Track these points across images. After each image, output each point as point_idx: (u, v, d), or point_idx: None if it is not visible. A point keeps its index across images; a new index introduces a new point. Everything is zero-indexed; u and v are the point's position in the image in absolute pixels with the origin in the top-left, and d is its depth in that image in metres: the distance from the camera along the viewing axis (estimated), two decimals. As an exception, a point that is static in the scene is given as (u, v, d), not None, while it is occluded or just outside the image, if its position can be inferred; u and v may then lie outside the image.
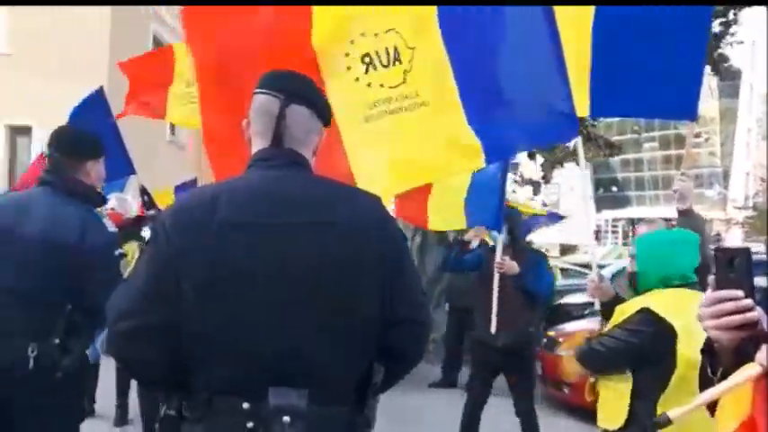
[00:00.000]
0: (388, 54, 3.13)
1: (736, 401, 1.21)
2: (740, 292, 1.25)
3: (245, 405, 1.51)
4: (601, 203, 54.15)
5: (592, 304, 8.97)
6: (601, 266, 18.42)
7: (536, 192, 14.56)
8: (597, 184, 59.46)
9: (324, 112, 1.81)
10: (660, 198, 56.00)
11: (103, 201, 3.03)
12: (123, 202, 5.70)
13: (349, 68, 3.16)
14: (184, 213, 1.61)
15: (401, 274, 1.69)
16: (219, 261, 1.54)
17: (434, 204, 5.47)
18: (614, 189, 55.55)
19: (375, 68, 3.15)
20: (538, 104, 3.13)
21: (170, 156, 18.75)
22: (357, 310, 1.60)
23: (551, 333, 7.51)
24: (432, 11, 3.14)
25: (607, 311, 2.99)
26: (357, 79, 3.16)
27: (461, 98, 3.13)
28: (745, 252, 1.27)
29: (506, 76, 3.17)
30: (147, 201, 5.74)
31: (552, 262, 18.57)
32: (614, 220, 50.36)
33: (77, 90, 6.22)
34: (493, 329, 4.60)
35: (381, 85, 3.16)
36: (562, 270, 15.14)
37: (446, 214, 5.49)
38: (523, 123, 3.19)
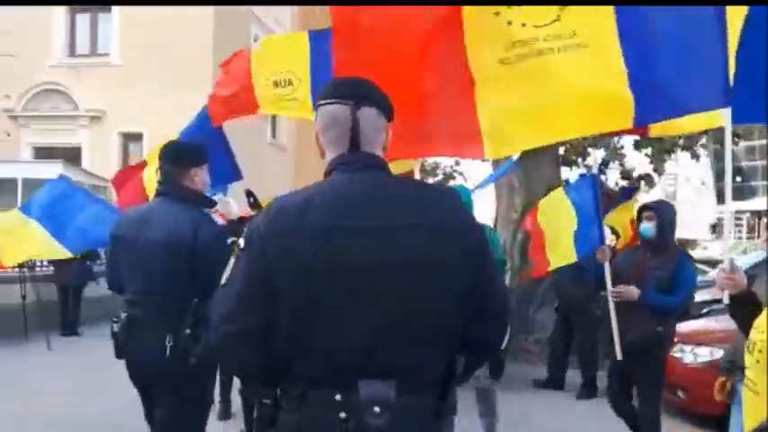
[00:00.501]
0: None
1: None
2: None
3: (338, 397, 1.62)
4: (722, 194, 51.09)
5: (711, 302, 8.31)
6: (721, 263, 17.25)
7: (649, 184, 13.44)
8: (718, 173, 56.17)
9: (388, 109, 1.87)
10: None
11: (212, 203, 3.34)
12: (226, 204, 5.77)
13: (497, 14, 2.86)
14: (279, 218, 1.69)
15: (484, 270, 1.77)
16: (314, 265, 1.63)
17: (550, 246, 5.96)
18: (738, 179, 52.22)
19: (518, 2, 2.84)
20: (698, 69, 2.77)
21: (271, 157, 19.07)
22: (441, 308, 1.69)
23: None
24: None
25: (736, 308, 2.72)
26: (497, 13, 2.87)
27: (622, 44, 2.77)
28: None
29: (670, 33, 2.80)
30: (253, 202, 5.73)
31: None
32: (738, 212, 47.29)
33: (184, 97, 6.31)
34: (618, 356, 4.51)
35: (524, 24, 2.84)
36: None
37: (560, 250, 5.80)
38: (682, 86, 2.80)
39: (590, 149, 12.56)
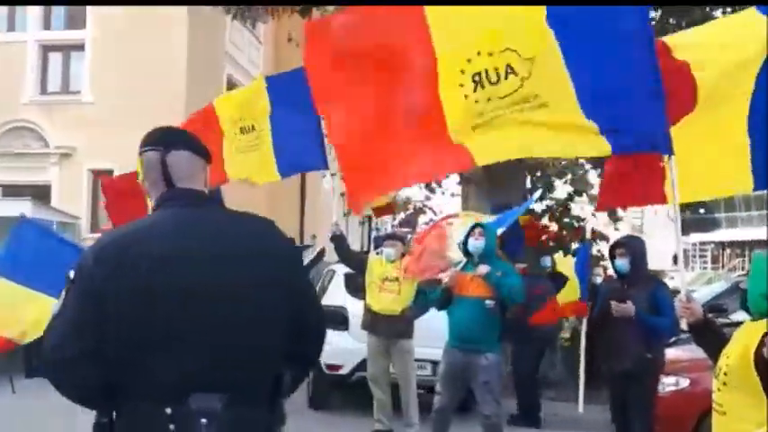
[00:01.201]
0: (497, 73, 3.29)
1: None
2: None
3: (168, 410, 1.75)
4: (687, 226, 52.02)
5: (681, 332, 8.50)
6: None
7: (614, 218, 13.55)
8: (683, 205, 57.15)
9: (201, 150, 2.08)
10: (753, 219, 53.31)
11: None
12: None
13: (461, 85, 3.35)
14: (107, 249, 1.85)
15: (301, 291, 2.01)
16: (142, 290, 1.77)
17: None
18: (701, 211, 53.24)
19: (483, 87, 3.32)
20: (638, 110, 3.20)
21: (241, 183, 19.06)
22: (266, 327, 1.87)
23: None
24: (541, 16, 3.24)
25: (696, 336, 2.97)
26: (466, 96, 3.35)
27: (579, 98, 3.22)
28: None
29: (612, 75, 3.23)
30: None
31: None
32: (702, 243, 48.13)
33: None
34: (580, 408, 4.93)
35: (489, 99, 3.32)
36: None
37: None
38: (629, 126, 3.24)
39: (555, 180, 12.83)
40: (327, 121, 3.76)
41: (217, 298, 1.81)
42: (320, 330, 2.14)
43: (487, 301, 5.40)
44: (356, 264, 6.89)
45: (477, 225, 5.74)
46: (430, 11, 3.42)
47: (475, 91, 3.33)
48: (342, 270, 7.81)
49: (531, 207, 8.55)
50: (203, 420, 1.74)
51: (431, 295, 6.06)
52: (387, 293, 6.66)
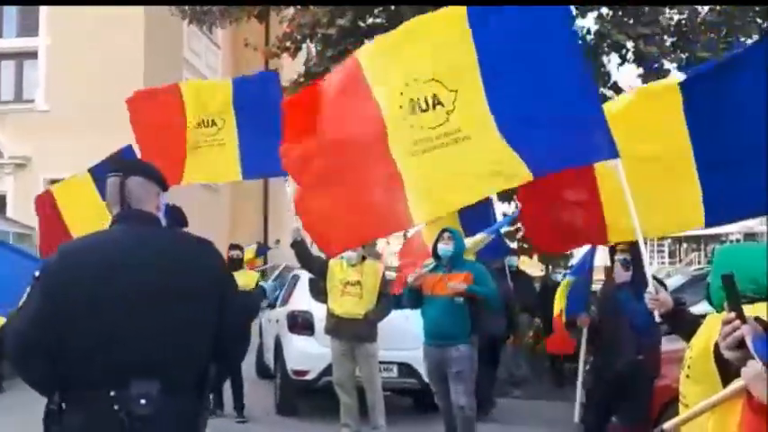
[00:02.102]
0: (427, 101, 3.51)
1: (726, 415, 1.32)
2: (732, 314, 1.40)
3: (112, 393, 2.10)
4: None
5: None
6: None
7: None
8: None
9: (156, 177, 2.45)
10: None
11: None
12: None
13: (401, 107, 3.58)
14: (68, 256, 2.26)
15: (226, 298, 2.33)
16: (93, 292, 2.15)
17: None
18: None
19: (416, 113, 3.54)
20: (573, 122, 3.31)
21: (205, 200, 18.85)
22: (193, 325, 2.24)
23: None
24: (471, 49, 3.46)
25: (671, 325, 3.05)
26: (404, 118, 3.58)
27: (499, 127, 3.42)
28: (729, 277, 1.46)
29: (540, 97, 3.38)
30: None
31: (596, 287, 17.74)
32: (659, 239, 49.14)
33: (113, 143, 6.28)
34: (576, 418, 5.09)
35: (422, 127, 3.53)
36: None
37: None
38: (562, 142, 3.38)
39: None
40: (294, 177, 4.04)
41: (154, 302, 2.18)
42: (243, 336, 2.54)
43: (457, 299, 5.77)
44: (317, 269, 6.87)
45: (445, 230, 5.92)
46: (362, 54, 3.79)
47: (412, 114, 3.56)
48: (306, 275, 7.78)
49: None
50: (142, 401, 2.09)
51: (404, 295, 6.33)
52: (349, 297, 6.66)
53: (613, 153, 3.29)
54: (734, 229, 47.26)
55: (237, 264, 8.03)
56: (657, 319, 3.16)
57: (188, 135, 5.41)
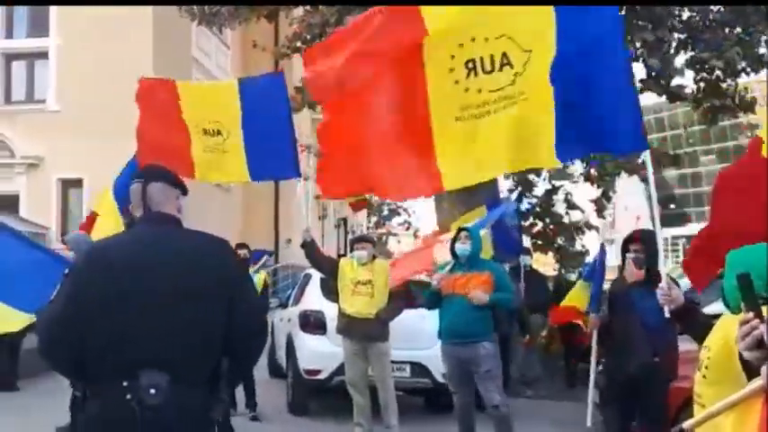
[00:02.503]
0: (492, 61, 3.33)
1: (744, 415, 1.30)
2: (750, 314, 1.37)
3: (125, 383, 2.27)
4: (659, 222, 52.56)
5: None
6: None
7: (600, 211, 13.41)
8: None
9: (174, 181, 2.64)
10: (721, 212, 53.94)
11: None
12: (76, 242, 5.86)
13: (452, 70, 3.38)
14: (95, 254, 2.52)
15: (239, 296, 2.46)
16: (114, 289, 2.34)
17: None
18: (672, 206, 54.06)
19: (476, 74, 3.35)
20: (612, 113, 3.29)
21: (217, 199, 18.90)
22: (201, 325, 2.37)
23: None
24: (550, 19, 3.29)
25: (682, 323, 3.05)
26: (457, 82, 3.40)
27: (555, 97, 3.30)
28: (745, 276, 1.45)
29: (587, 85, 3.31)
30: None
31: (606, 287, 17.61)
32: (674, 238, 48.89)
33: (124, 143, 6.30)
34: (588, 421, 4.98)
35: (479, 91, 3.36)
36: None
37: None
38: (597, 129, 3.34)
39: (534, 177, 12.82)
40: (325, 112, 3.87)
41: (167, 299, 2.34)
42: (255, 331, 2.58)
43: None
44: (328, 269, 6.86)
45: (462, 229, 5.96)
46: (427, 11, 3.48)
47: (467, 77, 3.36)
48: (318, 274, 7.77)
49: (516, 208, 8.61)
50: (152, 391, 2.26)
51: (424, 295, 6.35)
52: (360, 297, 6.64)
53: (645, 145, 3.38)
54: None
55: (244, 263, 8.00)
56: (667, 314, 3.13)
57: (192, 138, 5.40)
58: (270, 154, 5.28)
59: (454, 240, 5.89)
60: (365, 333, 6.63)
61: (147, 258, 2.38)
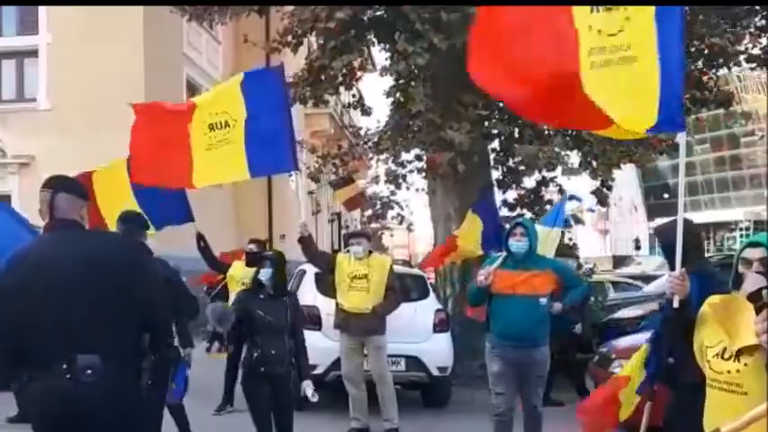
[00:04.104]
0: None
1: None
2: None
3: (64, 366, 2.70)
4: (652, 212, 52.68)
5: (644, 318, 8.60)
6: (654, 278, 17.38)
7: (602, 200, 13.29)
8: (647, 192, 57.98)
9: (79, 191, 3.07)
10: (716, 202, 54.16)
11: None
12: None
13: (592, 11, 3.31)
14: (12, 259, 2.91)
15: (144, 289, 2.93)
16: (30, 288, 2.78)
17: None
18: (665, 196, 54.14)
19: (598, 11, 3.29)
20: (671, 89, 3.25)
21: (208, 194, 18.81)
22: (111, 306, 2.80)
23: (604, 349, 7.25)
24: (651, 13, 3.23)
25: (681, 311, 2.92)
26: (586, 16, 3.31)
27: (660, 62, 3.20)
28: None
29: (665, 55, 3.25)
30: (204, 246, 7.28)
31: (603, 276, 17.69)
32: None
33: (116, 140, 6.26)
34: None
35: (599, 31, 3.27)
36: (614, 283, 14.57)
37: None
38: (667, 103, 3.25)
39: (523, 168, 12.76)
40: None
41: (80, 291, 2.74)
42: (158, 305, 3.04)
43: (542, 300, 5.39)
44: (324, 264, 6.84)
45: (517, 224, 5.59)
46: None
47: (592, 12, 3.31)
48: (312, 269, 7.75)
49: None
50: (89, 371, 2.69)
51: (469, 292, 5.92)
52: (356, 291, 6.63)
53: (683, 126, 3.40)
54: (743, 216, 47.03)
55: (253, 256, 7.82)
56: (675, 304, 2.96)
57: (195, 140, 5.39)
58: (269, 146, 5.28)
59: (508, 235, 5.49)
60: (362, 328, 6.63)
61: (55, 258, 2.81)
